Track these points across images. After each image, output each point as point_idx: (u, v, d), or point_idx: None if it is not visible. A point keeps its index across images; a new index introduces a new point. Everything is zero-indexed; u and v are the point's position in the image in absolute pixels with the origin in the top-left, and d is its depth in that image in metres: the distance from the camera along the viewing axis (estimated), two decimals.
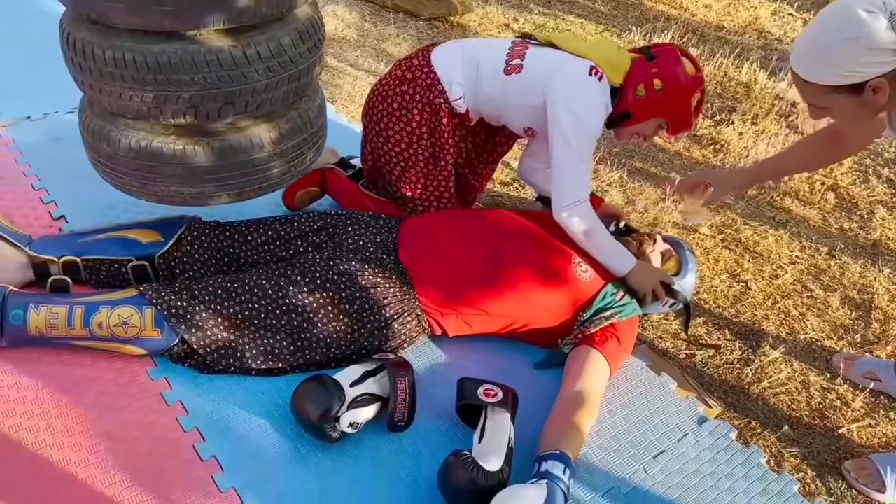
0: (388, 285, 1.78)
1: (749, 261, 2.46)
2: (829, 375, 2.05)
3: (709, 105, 3.37)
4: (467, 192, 2.29)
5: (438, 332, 1.87)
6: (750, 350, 2.10)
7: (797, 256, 2.51)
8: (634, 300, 1.90)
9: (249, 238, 1.90)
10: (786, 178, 2.80)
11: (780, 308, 2.28)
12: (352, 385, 1.63)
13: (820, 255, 2.53)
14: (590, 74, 1.87)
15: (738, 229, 2.62)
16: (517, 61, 1.94)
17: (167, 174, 1.63)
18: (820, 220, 2.72)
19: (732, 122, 3.25)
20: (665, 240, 2.06)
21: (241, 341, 1.70)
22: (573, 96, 1.87)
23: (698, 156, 3.04)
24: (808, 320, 2.24)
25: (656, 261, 1.97)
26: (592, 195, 2.18)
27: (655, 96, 1.92)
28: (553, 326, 1.86)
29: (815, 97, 1.47)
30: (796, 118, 3.31)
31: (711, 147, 3.10)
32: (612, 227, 2.12)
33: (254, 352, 1.70)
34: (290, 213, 1.99)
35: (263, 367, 1.71)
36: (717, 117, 3.30)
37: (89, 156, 1.77)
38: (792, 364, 2.07)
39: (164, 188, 1.67)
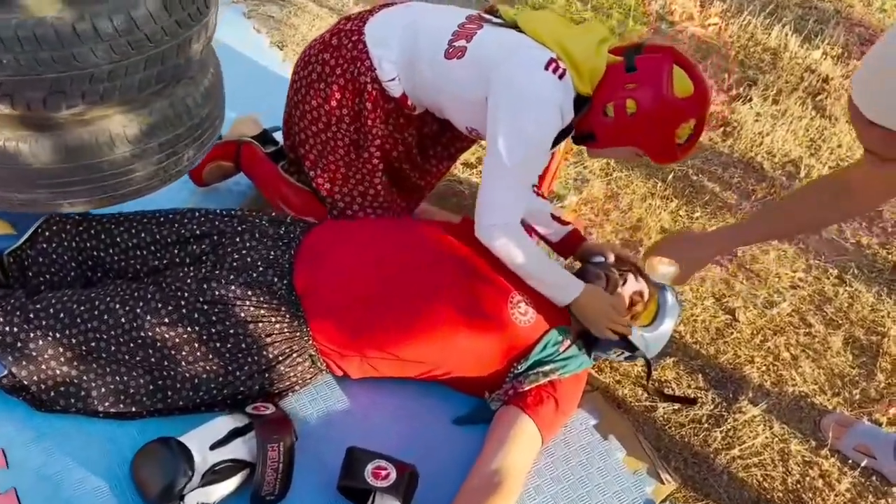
0: (274, 319, 1.44)
1: (742, 282, 2.09)
2: (814, 444, 1.71)
3: (726, 74, 2.91)
4: (409, 192, 1.87)
5: (339, 373, 1.54)
6: (724, 404, 1.76)
7: (800, 279, 2.13)
8: (583, 352, 1.55)
9: (118, 240, 1.54)
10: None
11: (769, 348, 1.92)
12: (213, 447, 1.32)
13: (828, 278, 2.15)
14: (545, 68, 1.44)
15: None
16: (462, 43, 1.52)
17: None
18: (835, 231, 2.33)
19: (751, 99, 2.80)
20: (649, 282, 1.65)
21: (85, 377, 1.38)
22: (518, 95, 1.44)
23: (704, 139, 2.61)
24: (800, 366, 1.89)
25: (622, 305, 1.58)
26: (573, 231, 1.79)
27: (625, 121, 1.47)
28: (481, 376, 1.53)
29: (883, 144, 1.07)
30: (825, 98, 2.85)
31: (721, 129, 2.66)
32: (595, 260, 1.73)
33: (102, 391, 1.39)
34: (176, 209, 1.61)
35: (112, 410, 1.40)
36: (734, 91, 2.84)
37: None
38: (772, 426, 1.73)
39: None
